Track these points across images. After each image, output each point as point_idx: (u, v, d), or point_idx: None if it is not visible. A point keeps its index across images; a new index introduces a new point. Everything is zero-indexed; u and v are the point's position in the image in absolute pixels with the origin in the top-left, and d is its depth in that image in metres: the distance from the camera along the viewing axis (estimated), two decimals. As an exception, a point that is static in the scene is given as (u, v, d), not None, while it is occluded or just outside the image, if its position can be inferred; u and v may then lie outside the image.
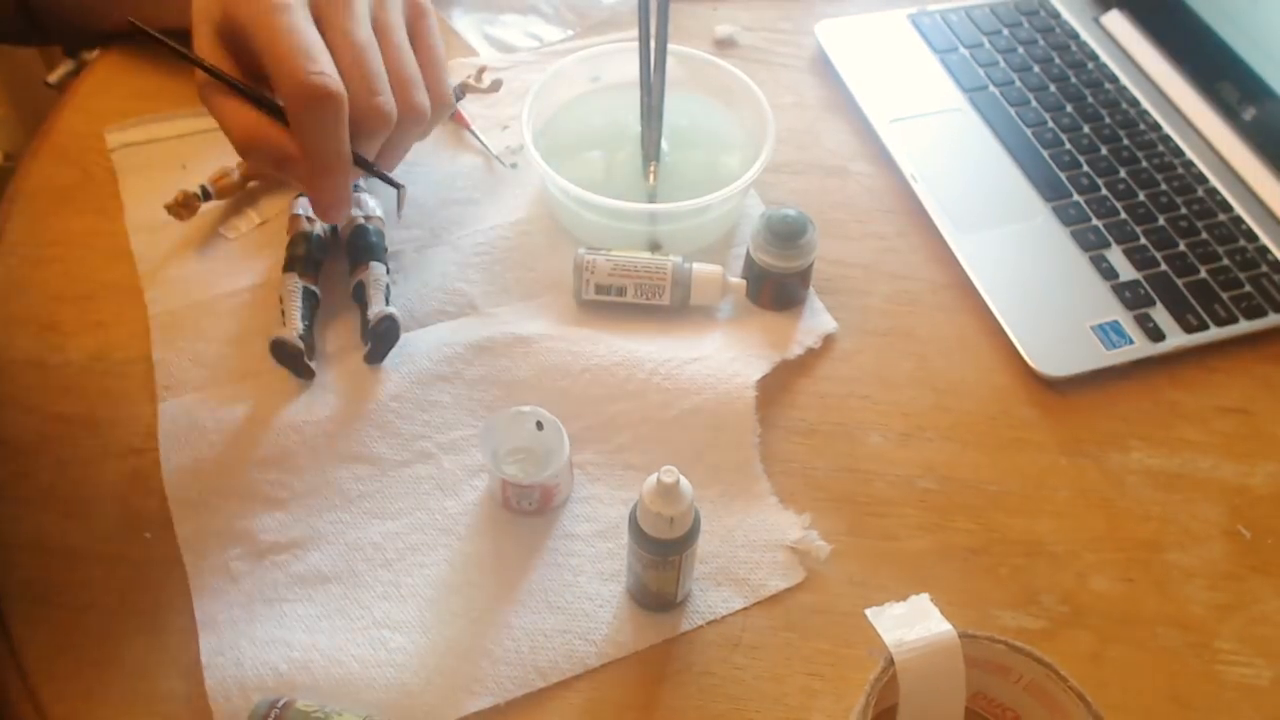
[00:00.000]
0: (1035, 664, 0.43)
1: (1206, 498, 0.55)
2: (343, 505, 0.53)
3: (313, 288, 0.59)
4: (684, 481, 0.44)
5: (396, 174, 0.55)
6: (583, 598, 0.50)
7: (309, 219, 0.60)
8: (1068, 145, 0.70)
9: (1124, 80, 0.74)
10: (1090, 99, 0.73)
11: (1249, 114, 0.70)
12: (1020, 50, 0.77)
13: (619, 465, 0.55)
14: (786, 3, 0.81)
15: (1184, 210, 0.66)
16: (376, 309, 0.56)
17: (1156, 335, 0.60)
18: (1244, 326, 0.61)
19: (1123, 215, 0.66)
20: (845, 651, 0.49)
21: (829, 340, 0.61)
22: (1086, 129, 0.71)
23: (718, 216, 0.63)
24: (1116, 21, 0.78)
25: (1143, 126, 0.71)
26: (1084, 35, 0.78)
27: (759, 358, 0.58)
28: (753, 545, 0.52)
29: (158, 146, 0.67)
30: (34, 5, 0.67)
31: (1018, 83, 0.74)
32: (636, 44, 0.64)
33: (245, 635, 0.48)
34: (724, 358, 0.58)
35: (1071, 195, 0.67)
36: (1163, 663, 0.50)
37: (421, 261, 0.62)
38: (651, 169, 0.64)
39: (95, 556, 0.51)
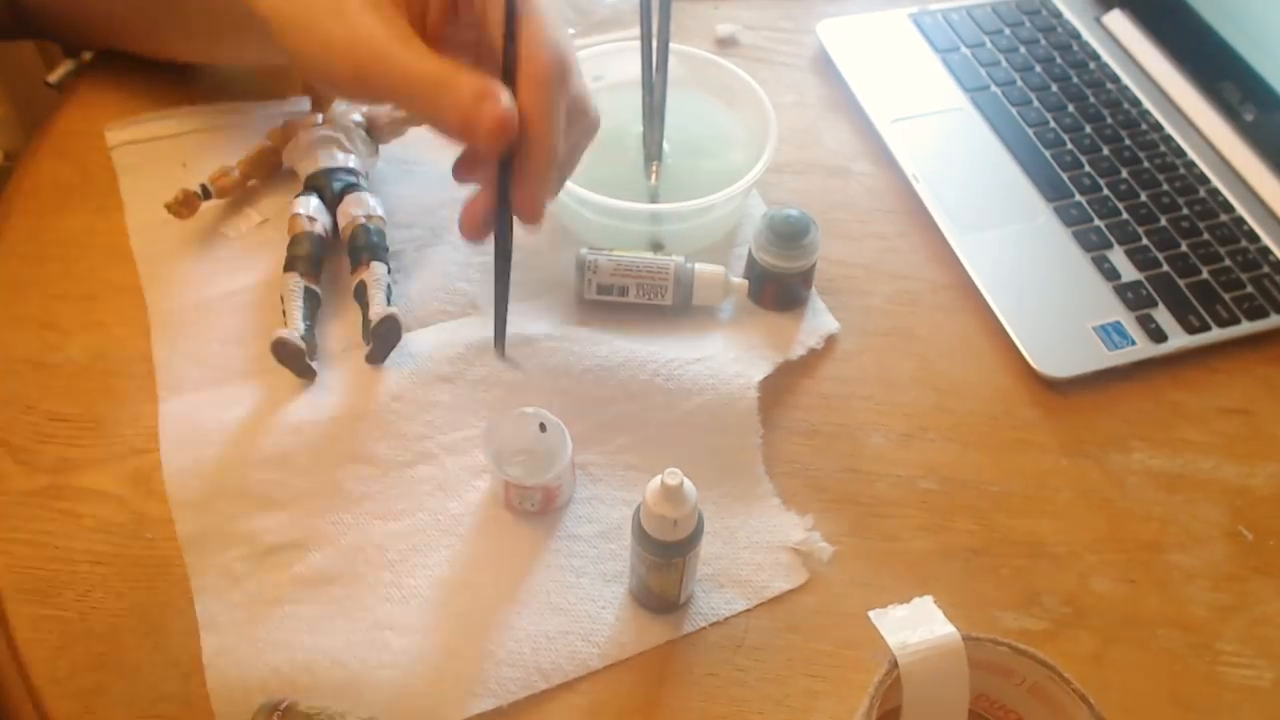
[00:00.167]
0: (1038, 666, 0.43)
1: (1208, 498, 0.55)
2: (344, 506, 0.52)
3: (314, 287, 0.58)
4: (688, 484, 0.44)
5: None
6: (585, 599, 0.50)
7: (309, 218, 0.60)
8: (1069, 145, 0.70)
9: (1126, 80, 0.74)
10: (1092, 99, 0.73)
11: (1250, 114, 0.70)
12: (1022, 50, 0.77)
13: (621, 466, 0.55)
14: (788, 2, 0.81)
15: (1186, 211, 0.66)
16: (378, 309, 0.56)
17: (1158, 336, 0.60)
18: (1246, 327, 0.61)
19: (1124, 215, 0.66)
20: (848, 653, 0.49)
21: (831, 341, 0.61)
22: (1088, 129, 0.71)
23: (720, 216, 0.63)
24: (1118, 21, 0.78)
25: (1144, 126, 0.71)
26: (1086, 35, 0.78)
27: (761, 358, 0.58)
28: (755, 546, 0.52)
29: (158, 145, 0.67)
30: (22, 5, 0.66)
31: (1019, 82, 0.74)
32: (638, 43, 0.64)
33: (247, 636, 0.48)
34: (726, 358, 0.58)
35: (1073, 195, 0.67)
36: (1164, 664, 0.50)
37: (423, 261, 0.62)
38: (653, 169, 0.64)
39: (95, 556, 0.51)
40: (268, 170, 0.65)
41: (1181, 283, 0.63)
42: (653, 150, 0.64)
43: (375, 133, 0.65)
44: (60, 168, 0.66)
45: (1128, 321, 0.61)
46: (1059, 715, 0.43)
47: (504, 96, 0.43)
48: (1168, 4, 0.75)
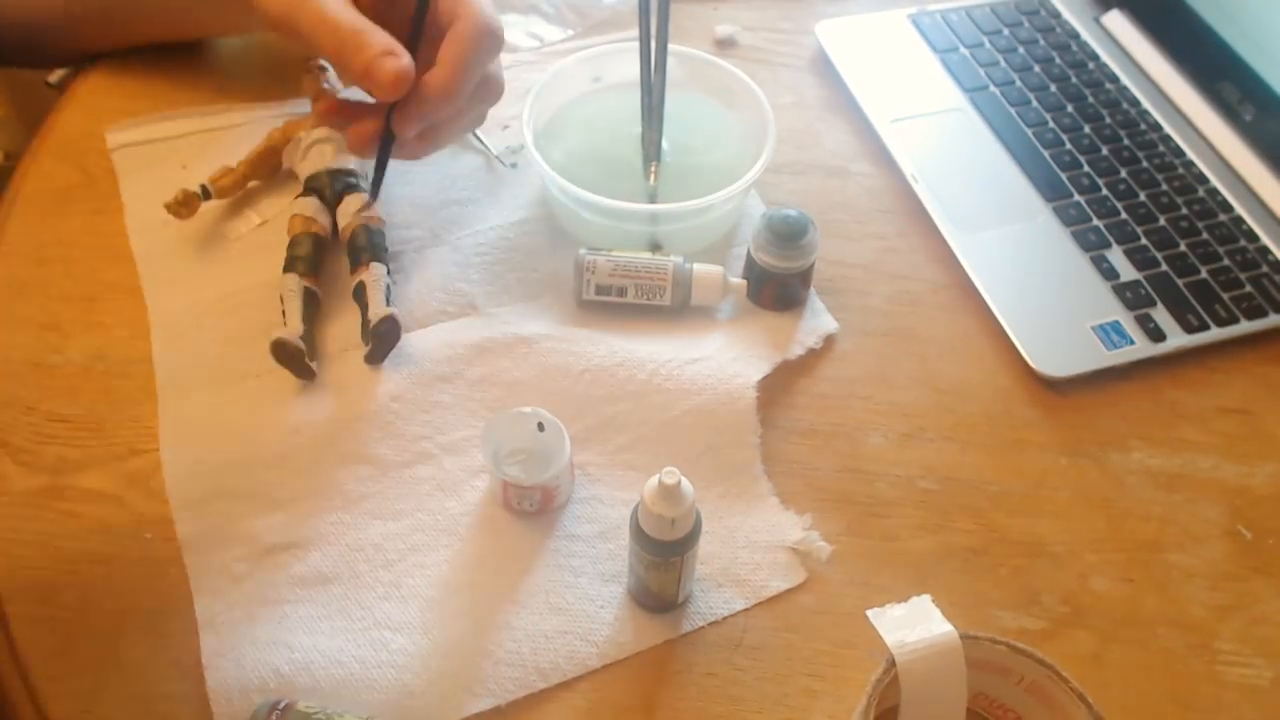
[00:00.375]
0: (1036, 665, 0.43)
1: (1207, 498, 0.55)
2: (344, 506, 0.53)
3: (313, 288, 0.59)
4: (685, 483, 0.44)
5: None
6: (584, 599, 0.50)
7: (309, 219, 0.60)
8: (1068, 145, 0.70)
9: (1125, 80, 0.74)
10: (1091, 99, 0.73)
11: (1249, 114, 0.70)
12: (1021, 50, 0.77)
13: (620, 466, 0.55)
14: (787, 2, 0.81)
15: (1185, 210, 0.66)
16: (377, 309, 0.56)
17: (1157, 335, 0.60)
18: (1245, 327, 0.61)
19: (1123, 215, 0.66)
20: (846, 652, 0.49)
21: (830, 341, 0.61)
22: (1087, 129, 0.71)
23: (718, 217, 0.63)
24: (1117, 21, 0.78)
25: (1143, 126, 0.71)
26: (1084, 35, 0.78)
27: (760, 358, 0.58)
28: (754, 546, 0.52)
29: (158, 146, 0.67)
30: None
31: (1018, 82, 0.74)
32: (637, 44, 0.64)
33: (246, 636, 0.48)
34: (725, 358, 0.58)
35: (1072, 195, 0.67)
36: (1163, 663, 0.50)
37: (422, 262, 0.62)
38: (652, 169, 0.64)
39: (95, 556, 0.51)
40: (268, 171, 0.65)
41: (1180, 282, 0.63)
42: (651, 151, 0.64)
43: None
44: (60, 169, 0.66)
45: (1126, 321, 0.61)
46: (1057, 714, 0.43)
47: (405, 57, 0.51)
48: (1167, 4, 0.75)
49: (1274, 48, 0.68)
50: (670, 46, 0.64)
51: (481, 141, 0.69)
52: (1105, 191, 0.68)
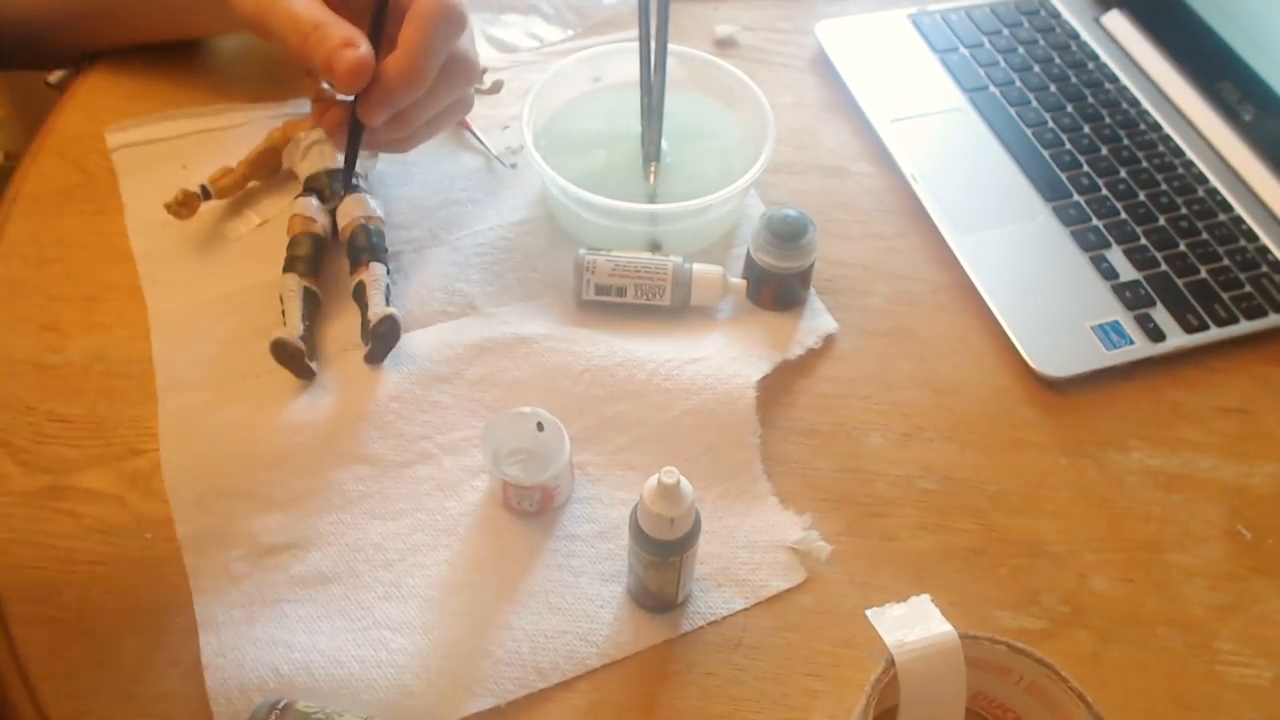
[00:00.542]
0: (1036, 665, 0.43)
1: (1207, 498, 0.55)
2: (343, 506, 0.53)
3: (313, 288, 0.59)
4: (684, 482, 0.44)
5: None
6: (583, 598, 0.50)
7: (309, 219, 0.60)
8: (1068, 145, 0.70)
9: (1124, 80, 0.74)
10: (1090, 99, 0.73)
11: (1249, 114, 0.70)
12: (1020, 50, 0.77)
13: (619, 466, 0.55)
14: (787, 2, 0.81)
15: (1184, 210, 0.66)
16: (377, 309, 0.56)
17: (1157, 335, 0.60)
18: (1244, 327, 0.61)
19: (1123, 215, 0.66)
20: (846, 652, 0.49)
21: (829, 340, 0.61)
22: (1087, 129, 0.71)
23: (718, 217, 0.63)
24: (1117, 21, 0.78)
25: (1143, 126, 0.71)
26: (1084, 35, 0.78)
27: (759, 358, 0.58)
28: (753, 546, 0.52)
29: (158, 146, 0.67)
30: None
31: (1018, 83, 0.74)
32: (637, 44, 0.64)
33: (246, 636, 0.48)
34: (724, 358, 0.58)
35: (1072, 195, 0.67)
36: (1163, 663, 0.50)
37: (421, 262, 0.62)
38: (652, 169, 0.64)
39: (95, 556, 0.51)
40: (267, 171, 0.65)
41: (1180, 282, 0.63)
42: (651, 151, 0.64)
43: (374, 134, 0.65)
44: (61, 169, 0.66)
45: (1126, 321, 0.61)
46: (1057, 714, 0.43)
47: (364, 46, 0.50)
48: (1166, 4, 0.75)
49: (1274, 48, 0.68)
50: (670, 46, 0.64)
51: (481, 141, 0.69)
52: (1105, 191, 0.68)
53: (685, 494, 0.44)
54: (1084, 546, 0.53)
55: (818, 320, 0.61)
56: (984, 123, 0.72)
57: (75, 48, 0.72)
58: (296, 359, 0.55)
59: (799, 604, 0.51)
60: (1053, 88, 0.74)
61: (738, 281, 0.60)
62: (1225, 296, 0.62)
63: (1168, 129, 0.71)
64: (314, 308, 0.58)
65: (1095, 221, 0.66)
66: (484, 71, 0.72)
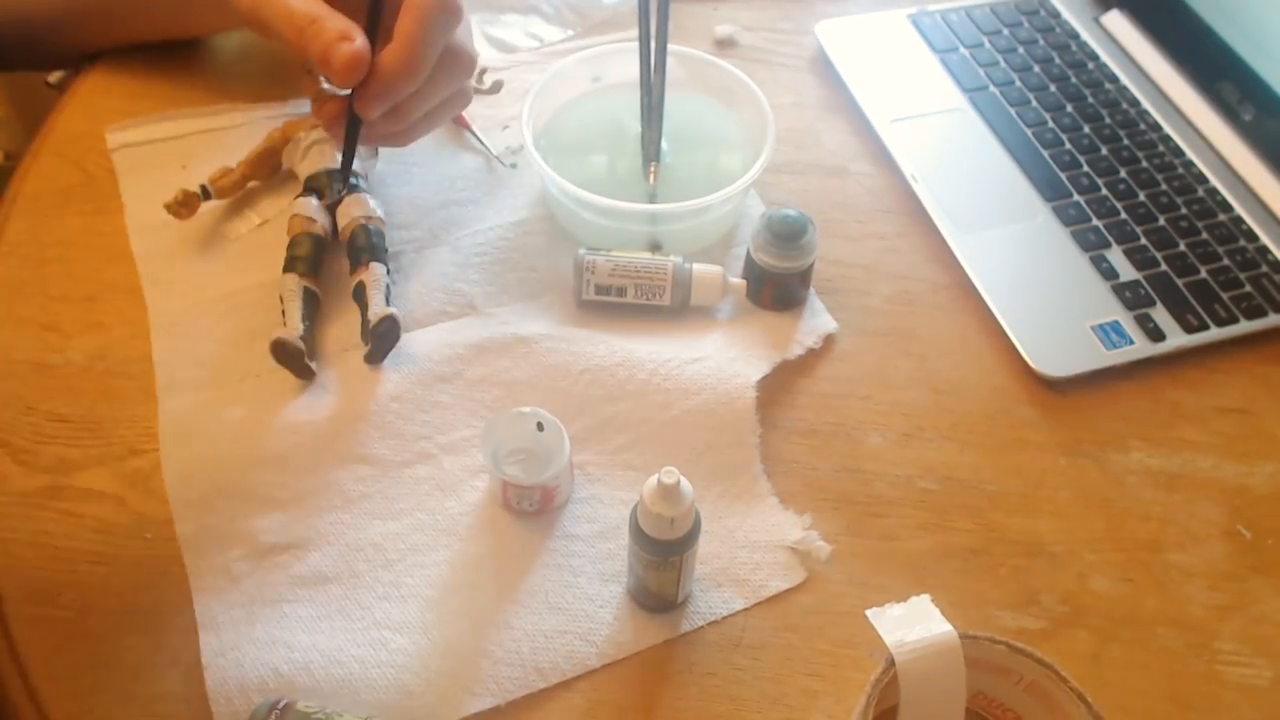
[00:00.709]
0: (1036, 664, 0.43)
1: (1207, 498, 0.55)
2: (343, 506, 0.53)
3: (313, 288, 0.59)
4: (684, 482, 0.44)
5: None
6: (583, 598, 0.50)
7: (309, 219, 0.60)
8: (1068, 145, 0.70)
9: (1124, 80, 0.74)
10: (1090, 99, 0.73)
11: (1249, 114, 0.70)
12: (1020, 50, 0.77)
13: (619, 466, 0.55)
14: (787, 3, 0.81)
15: (1184, 210, 0.67)
16: (377, 309, 0.56)
17: (1157, 335, 0.60)
18: (1244, 326, 0.61)
19: (1123, 215, 0.66)
20: (846, 652, 0.49)
21: (829, 340, 0.61)
22: (1087, 129, 0.71)
23: (718, 217, 0.63)
24: (1116, 21, 0.78)
25: (1143, 126, 0.71)
26: (1084, 35, 0.78)
27: (759, 358, 0.58)
28: (753, 546, 0.52)
29: (158, 146, 0.67)
30: None
31: (1018, 83, 0.74)
32: (637, 44, 0.64)
33: (246, 636, 0.48)
34: (724, 358, 0.58)
35: (1072, 195, 0.67)
36: (1163, 663, 0.50)
37: (421, 262, 0.62)
38: (652, 169, 0.64)
39: (95, 556, 0.51)
40: (267, 171, 0.65)
41: (1180, 282, 0.63)
42: (651, 151, 0.64)
43: (374, 134, 0.65)
44: (61, 169, 0.66)
45: (1126, 321, 0.61)
46: (1056, 714, 0.43)
47: (360, 39, 0.50)
48: (1166, 4, 0.75)
49: (1274, 48, 0.68)
50: (670, 46, 0.64)
51: (481, 141, 0.69)
52: (1105, 191, 0.68)
53: (685, 494, 0.44)
54: (1084, 546, 0.53)
55: (817, 320, 0.61)
56: (984, 123, 0.72)
57: (75, 47, 0.72)
58: (296, 359, 0.55)
59: (799, 604, 0.51)
60: (1053, 88, 0.74)
61: (737, 281, 0.60)
62: (1225, 296, 0.62)
63: (1168, 129, 0.71)
64: (314, 308, 0.58)
65: (1095, 221, 0.66)
66: (484, 71, 0.72)
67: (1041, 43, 0.77)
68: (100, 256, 0.62)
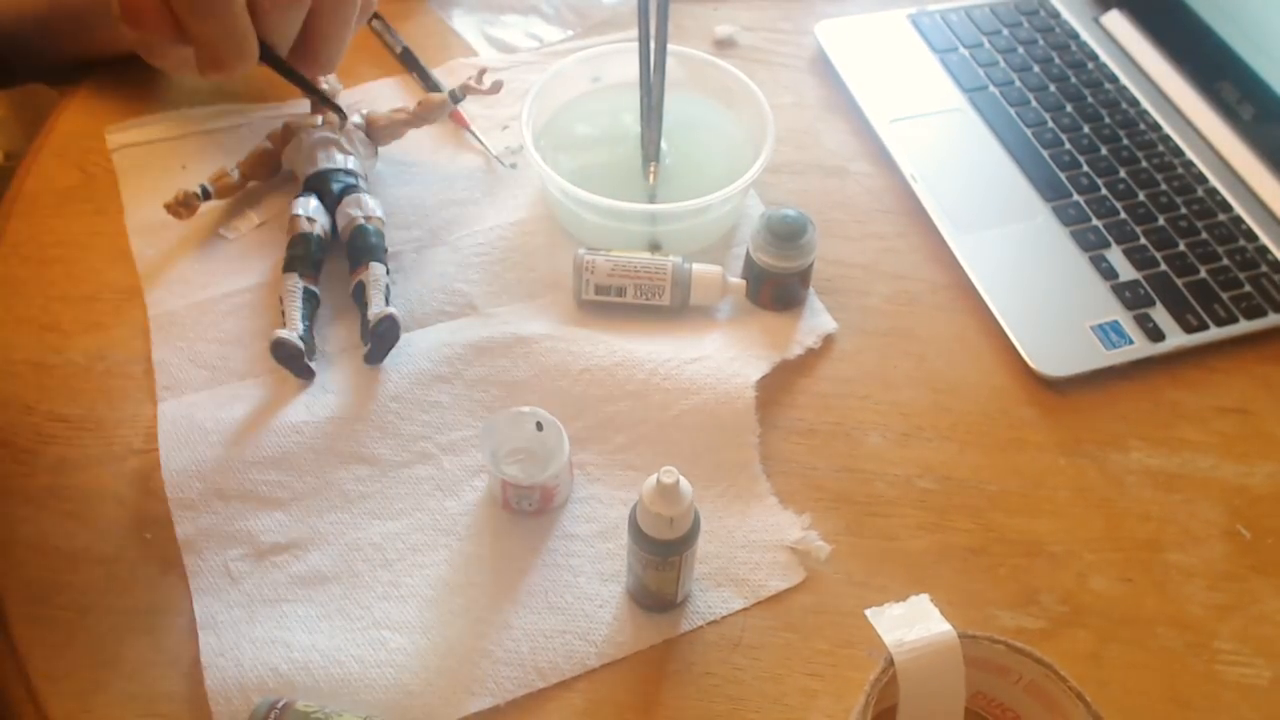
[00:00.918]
0: (1035, 664, 0.43)
1: (1206, 498, 0.55)
2: (343, 506, 0.53)
3: (313, 288, 0.59)
4: (684, 482, 0.44)
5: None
6: (583, 598, 0.50)
7: (309, 219, 0.60)
8: (1067, 145, 0.70)
9: (1124, 80, 0.74)
10: (1090, 99, 0.73)
11: (1249, 114, 0.70)
12: (1020, 50, 0.77)
13: (619, 465, 0.55)
14: (786, 3, 0.81)
15: (1184, 210, 0.67)
16: (376, 309, 0.56)
17: (1156, 335, 0.60)
18: (1244, 326, 0.61)
19: (1122, 215, 0.66)
20: (845, 652, 0.49)
21: (829, 340, 0.61)
22: (1086, 129, 0.71)
23: (717, 217, 0.63)
24: (1116, 21, 0.78)
25: (1142, 126, 0.71)
26: (1084, 35, 0.78)
27: (759, 358, 0.58)
28: (752, 545, 0.52)
29: (158, 147, 0.68)
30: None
31: (1018, 83, 0.74)
32: (636, 44, 0.64)
33: (245, 636, 0.48)
34: (724, 358, 0.58)
35: (1071, 195, 0.67)
36: (1162, 662, 0.50)
37: (421, 262, 0.62)
38: (651, 169, 0.64)
39: (95, 556, 0.51)
40: (267, 172, 0.65)
41: (1179, 282, 0.63)
42: (650, 151, 0.64)
43: (374, 134, 0.65)
44: (61, 169, 0.66)
45: (1125, 321, 0.61)
46: (1056, 713, 0.43)
47: None
48: (1166, 4, 0.75)
49: (1273, 48, 0.68)
50: (670, 46, 0.64)
51: (481, 142, 0.69)
52: (1104, 191, 0.68)
53: (684, 493, 0.44)
54: (1083, 546, 0.53)
55: (817, 320, 0.61)
56: (984, 123, 0.72)
57: (56, 61, 0.71)
58: (296, 359, 0.55)
59: (798, 604, 0.51)
60: (1052, 88, 0.74)
61: (737, 281, 0.60)
62: (1225, 296, 0.62)
63: (1167, 129, 0.71)
64: (314, 308, 0.59)
65: (1095, 221, 0.66)
66: (484, 71, 0.72)
67: (1041, 43, 0.77)
68: (100, 256, 0.62)
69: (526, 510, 0.52)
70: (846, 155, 0.71)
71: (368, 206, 0.61)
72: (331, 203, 0.61)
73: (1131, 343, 0.60)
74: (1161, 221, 0.66)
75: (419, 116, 0.65)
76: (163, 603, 0.49)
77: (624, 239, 0.62)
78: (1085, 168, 0.69)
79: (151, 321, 0.59)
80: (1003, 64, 0.76)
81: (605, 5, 0.79)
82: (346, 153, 0.63)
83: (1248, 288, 0.63)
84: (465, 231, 0.64)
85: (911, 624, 0.42)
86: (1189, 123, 0.72)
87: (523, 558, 0.51)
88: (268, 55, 0.51)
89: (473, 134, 0.69)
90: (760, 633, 0.50)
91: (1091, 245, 0.64)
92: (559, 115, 0.67)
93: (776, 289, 0.60)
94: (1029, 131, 0.71)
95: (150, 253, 0.62)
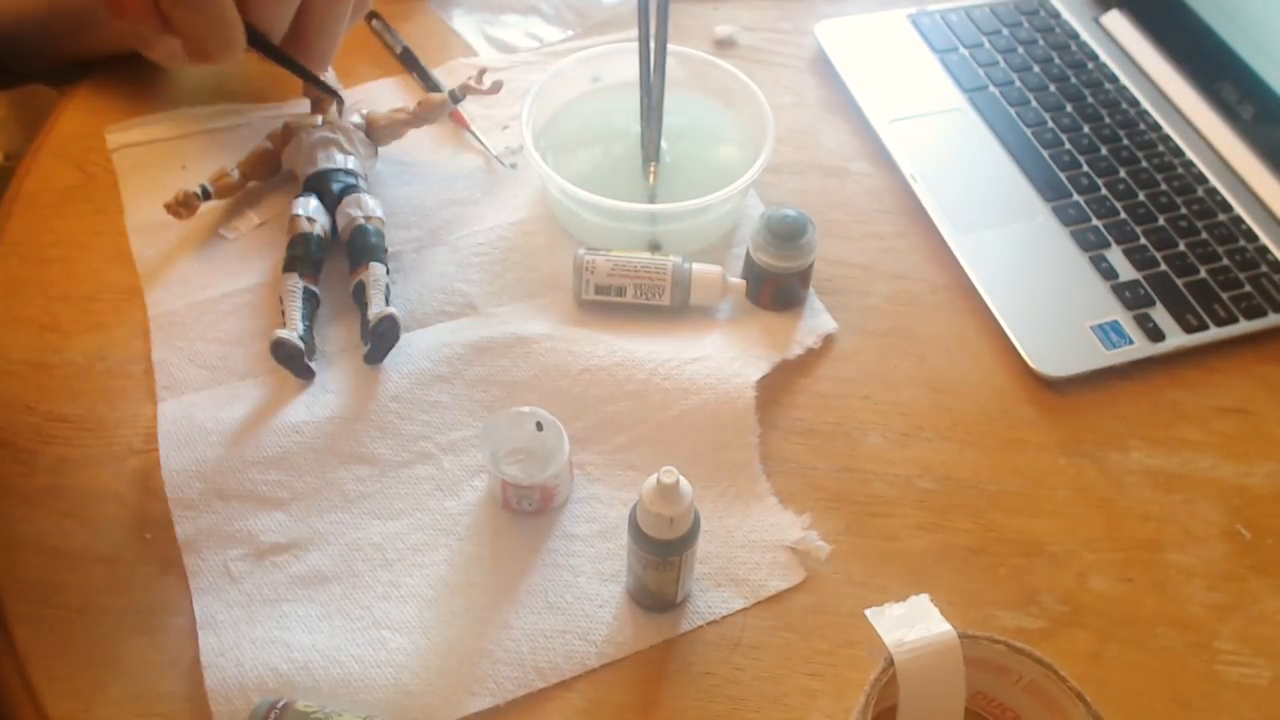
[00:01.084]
0: (1035, 664, 0.43)
1: (1206, 498, 0.55)
2: (343, 506, 0.53)
3: (313, 288, 0.59)
4: (684, 482, 0.44)
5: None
6: (583, 598, 0.50)
7: (309, 219, 0.60)
8: (1067, 145, 0.70)
9: (1124, 80, 0.74)
10: (1090, 99, 0.73)
11: (1249, 114, 0.70)
12: (1020, 50, 0.77)
13: (619, 465, 0.55)
14: (786, 3, 0.81)
15: (1184, 210, 0.67)
16: (376, 309, 0.56)
17: (1156, 335, 0.60)
18: (1244, 326, 0.61)
19: (1122, 215, 0.66)
20: (845, 652, 0.49)
21: (829, 340, 0.61)
22: (1086, 129, 0.71)
23: (717, 217, 0.63)
24: (1116, 21, 0.78)
25: (1142, 126, 0.71)
26: (1084, 35, 0.78)
27: (759, 358, 0.58)
28: (752, 545, 0.52)
29: (158, 147, 0.68)
30: None
31: (1017, 83, 0.74)
32: (636, 44, 0.64)
33: (245, 636, 0.48)
34: (724, 358, 0.58)
35: (1071, 195, 0.67)
36: (1162, 663, 0.50)
37: (421, 262, 0.62)
38: (651, 169, 0.64)
39: (95, 556, 0.51)
40: (267, 172, 0.65)
41: (1179, 282, 0.63)
42: (650, 151, 0.64)
43: (374, 134, 0.65)
44: (61, 169, 0.66)
45: (1125, 321, 0.61)
46: (1056, 713, 0.43)
47: None
48: (1166, 4, 0.75)
49: (1273, 48, 0.68)
50: (670, 46, 0.64)
51: (481, 142, 0.69)
52: (1104, 191, 0.68)
53: (684, 493, 0.44)
54: (1083, 546, 0.53)
55: (817, 320, 0.61)
56: (984, 123, 0.72)
57: (56, 61, 0.71)
58: (296, 359, 0.55)
59: (798, 604, 0.51)
60: (1052, 88, 0.74)
61: (737, 281, 0.60)
62: (1225, 296, 0.62)
63: (1167, 129, 0.71)
64: (314, 308, 0.59)
65: (1095, 221, 0.66)
66: (484, 71, 0.72)
67: (1041, 43, 0.77)
68: (100, 256, 0.62)
69: (526, 510, 0.52)
70: (846, 155, 0.71)
71: (368, 206, 0.61)
72: (331, 203, 0.61)
73: (1131, 343, 0.60)
74: (1161, 221, 0.66)
75: (419, 116, 0.65)
76: (162, 603, 0.49)
77: (624, 239, 0.62)
78: (1085, 168, 0.69)
79: (151, 321, 0.59)
80: (1003, 64, 0.76)
81: (605, 5, 0.79)
82: (346, 153, 0.63)
83: (1248, 288, 0.63)
84: (465, 231, 0.64)
85: (911, 624, 0.42)
86: (1189, 123, 0.72)
87: (523, 558, 0.51)
88: (259, 41, 0.51)
89: (473, 134, 0.69)
90: (760, 633, 0.50)
91: (1091, 245, 0.64)
92: (559, 115, 0.67)
93: (776, 289, 0.60)
94: (1029, 131, 0.71)
95: (150, 253, 0.62)
